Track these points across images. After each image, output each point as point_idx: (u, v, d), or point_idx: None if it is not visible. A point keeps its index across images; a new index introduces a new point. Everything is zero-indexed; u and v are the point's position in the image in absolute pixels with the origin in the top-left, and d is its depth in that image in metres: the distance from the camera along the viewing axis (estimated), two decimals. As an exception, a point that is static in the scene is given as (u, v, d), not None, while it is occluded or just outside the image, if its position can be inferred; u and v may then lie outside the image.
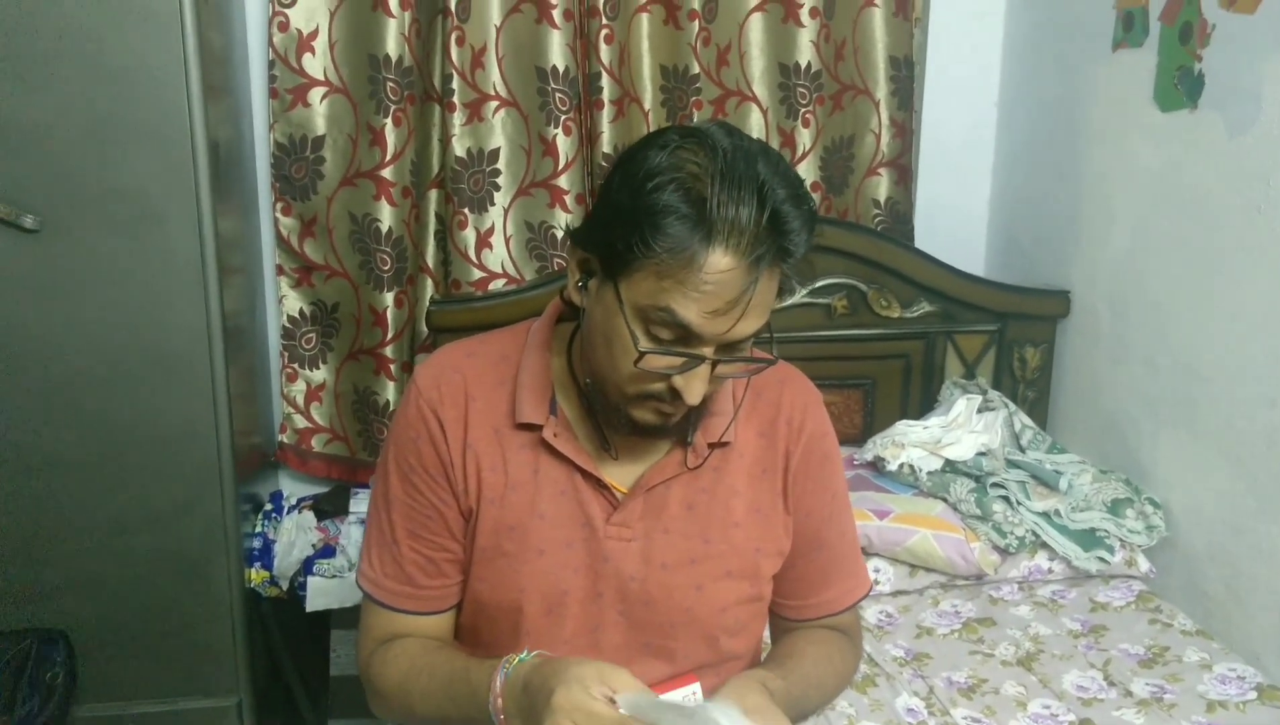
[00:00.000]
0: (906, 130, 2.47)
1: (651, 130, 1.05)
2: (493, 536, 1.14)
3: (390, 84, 2.21)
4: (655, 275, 0.97)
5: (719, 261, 0.95)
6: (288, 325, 2.37)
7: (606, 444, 1.15)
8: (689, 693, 1.02)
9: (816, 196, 2.46)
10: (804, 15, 2.34)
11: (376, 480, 1.21)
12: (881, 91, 2.42)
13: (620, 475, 1.16)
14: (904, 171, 2.49)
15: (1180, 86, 1.92)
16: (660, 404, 1.05)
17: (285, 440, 2.42)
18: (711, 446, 1.15)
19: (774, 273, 0.99)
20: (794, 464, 1.20)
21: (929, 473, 2.06)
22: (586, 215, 1.06)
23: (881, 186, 2.47)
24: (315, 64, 2.22)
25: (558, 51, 2.26)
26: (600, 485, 1.14)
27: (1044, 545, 1.98)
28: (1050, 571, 2.00)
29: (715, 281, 0.95)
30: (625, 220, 0.97)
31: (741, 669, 1.22)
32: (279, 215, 2.30)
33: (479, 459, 1.14)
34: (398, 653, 1.16)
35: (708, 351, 1.00)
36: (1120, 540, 1.99)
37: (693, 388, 1.02)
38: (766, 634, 1.32)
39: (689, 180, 0.95)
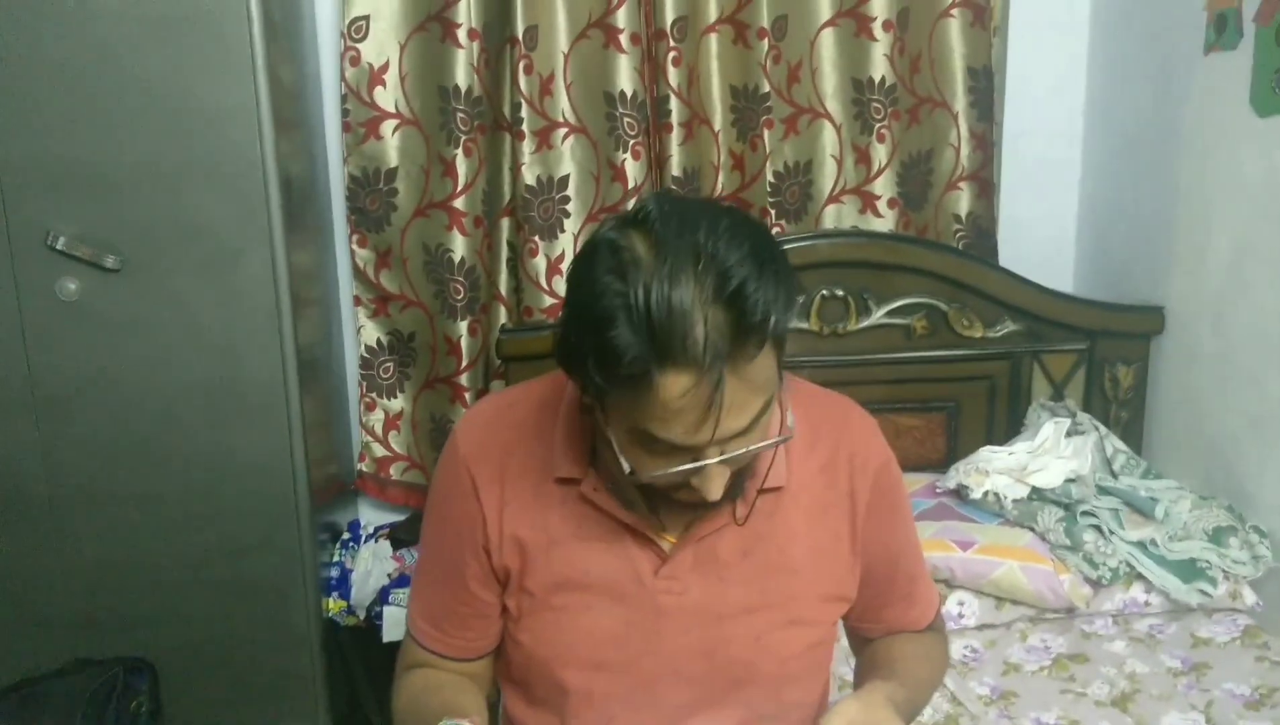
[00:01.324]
0: (987, 142, 2.38)
1: (645, 197, 0.97)
2: (537, 593, 1.12)
3: (460, 114, 2.23)
4: (625, 406, 0.93)
5: (675, 383, 0.88)
6: (366, 355, 2.40)
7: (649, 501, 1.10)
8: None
9: (894, 213, 2.40)
10: (877, 29, 2.29)
11: (423, 521, 1.21)
12: (960, 103, 2.34)
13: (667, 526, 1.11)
14: (985, 185, 2.40)
15: (1279, 90, 1.81)
16: (693, 492, 0.99)
17: (364, 468, 2.45)
18: (761, 492, 1.09)
19: (746, 360, 0.90)
20: (862, 504, 1.15)
21: (1015, 501, 1.97)
22: (556, 339, 0.99)
23: (962, 201, 2.39)
24: (387, 96, 2.24)
25: (625, 76, 2.24)
26: (646, 538, 1.10)
27: (1139, 577, 1.88)
28: (1147, 604, 1.89)
29: (679, 402, 0.89)
30: (582, 360, 0.92)
31: (808, 716, 1.18)
32: (355, 247, 2.33)
33: (517, 516, 1.11)
34: (408, 683, 1.18)
35: (709, 453, 0.95)
36: (1223, 571, 1.87)
37: (709, 488, 0.97)
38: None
39: (624, 305, 0.88)
